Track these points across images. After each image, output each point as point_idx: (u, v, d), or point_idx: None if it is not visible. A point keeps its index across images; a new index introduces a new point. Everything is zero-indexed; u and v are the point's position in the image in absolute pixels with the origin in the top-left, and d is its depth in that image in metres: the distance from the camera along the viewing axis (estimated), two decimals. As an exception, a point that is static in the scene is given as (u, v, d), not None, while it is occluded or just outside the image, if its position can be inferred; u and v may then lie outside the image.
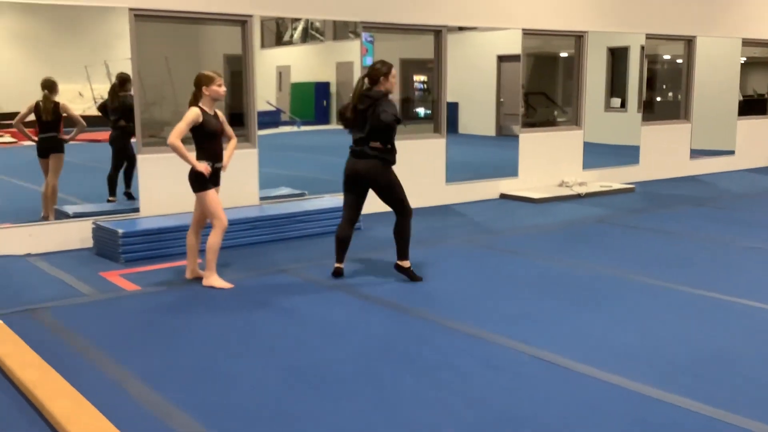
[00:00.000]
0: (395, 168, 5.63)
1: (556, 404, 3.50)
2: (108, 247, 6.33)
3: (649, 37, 11.00)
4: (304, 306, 5.09)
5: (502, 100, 15.98)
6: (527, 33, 9.63)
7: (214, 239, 5.43)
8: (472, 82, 16.69)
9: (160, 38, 7.62)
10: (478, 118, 16.83)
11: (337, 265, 5.74)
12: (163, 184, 6.99)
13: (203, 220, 5.63)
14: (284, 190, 8.21)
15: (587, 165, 10.44)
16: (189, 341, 4.42)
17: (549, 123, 11.51)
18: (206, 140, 5.34)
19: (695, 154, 11.81)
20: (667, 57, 12.73)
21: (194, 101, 5.34)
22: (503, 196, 9.52)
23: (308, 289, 5.51)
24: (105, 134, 7.51)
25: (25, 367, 3.82)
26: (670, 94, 12.75)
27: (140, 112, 6.95)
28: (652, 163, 11.25)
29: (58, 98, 6.87)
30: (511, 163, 9.80)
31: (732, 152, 12.40)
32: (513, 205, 9.03)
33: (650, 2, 10.80)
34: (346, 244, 5.74)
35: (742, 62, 12.54)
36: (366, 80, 5.58)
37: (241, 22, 7.45)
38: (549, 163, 10.04)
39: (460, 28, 11.27)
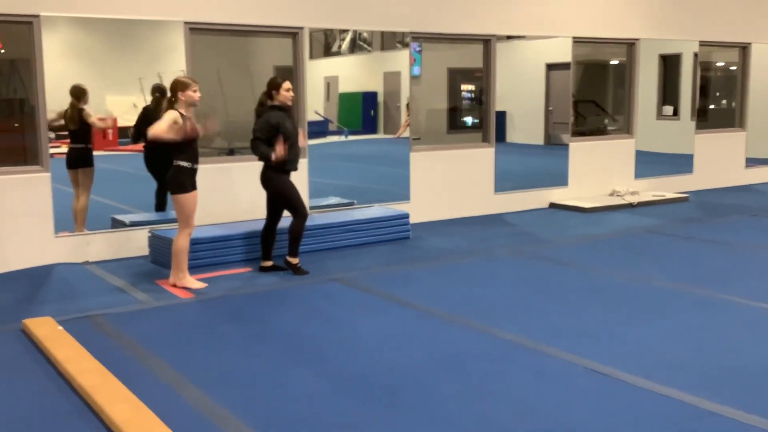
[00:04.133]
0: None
1: (607, 416, 3.46)
2: (164, 255, 6.45)
3: (702, 44, 10.80)
4: (356, 315, 5.12)
5: (550, 108, 15.88)
6: (577, 41, 9.55)
7: (183, 242, 5.66)
8: (521, 91, 16.58)
9: (212, 50, 7.77)
10: (527, 126, 16.71)
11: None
12: (217, 194, 7.11)
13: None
14: (333, 200, 8.28)
15: (639, 174, 10.28)
16: (242, 348, 4.48)
17: (599, 131, 11.37)
18: (185, 142, 5.53)
19: (751, 162, 11.54)
20: (720, 64, 12.47)
21: (169, 106, 5.54)
22: (552, 206, 9.44)
23: (359, 297, 5.55)
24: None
25: (85, 372, 3.92)
26: (724, 101, 12.49)
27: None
28: (707, 172, 11.03)
29: (87, 107, 6.73)
30: (560, 172, 9.71)
31: (789, 161, 12.08)
32: (563, 215, 8.95)
33: (704, 9, 10.62)
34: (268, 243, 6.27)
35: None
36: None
37: (292, 34, 7.56)
38: (599, 172, 9.92)
39: (509, 37, 11.24)
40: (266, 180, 6.09)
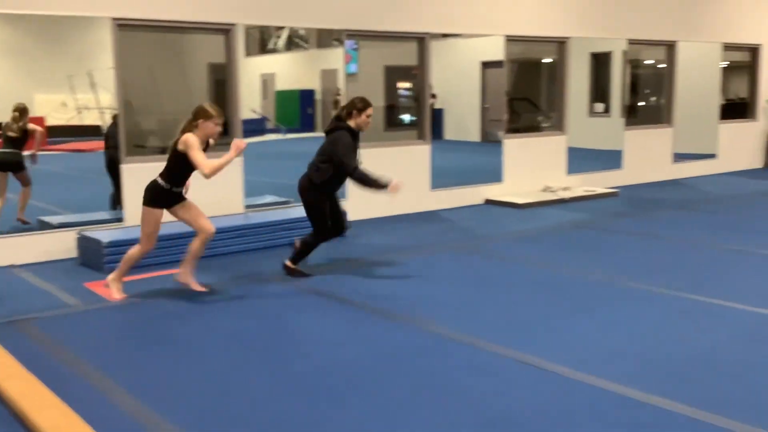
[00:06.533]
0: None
1: (545, 408, 3.52)
2: (92, 257, 6.30)
3: (630, 42, 11.09)
4: (293, 314, 5.09)
5: (486, 106, 16.09)
6: (510, 39, 9.69)
7: (132, 251, 5.40)
8: (457, 89, 16.80)
9: (143, 47, 7.61)
10: (464, 124, 16.93)
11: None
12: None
13: (199, 227, 5.48)
14: (269, 198, 8.21)
15: (571, 170, 10.50)
16: (176, 351, 4.41)
17: (533, 128, 11.58)
18: (181, 168, 5.27)
19: (678, 157, 11.91)
20: (649, 62, 12.84)
21: (188, 129, 5.23)
22: (488, 202, 9.56)
23: (297, 296, 5.52)
24: (87, 144, 7.49)
25: (10, 377, 3.80)
26: (653, 98, 12.86)
27: (124, 122, 6.93)
28: (636, 168, 11.33)
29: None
30: (495, 168, 9.85)
31: (714, 156, 12.52)
32: (498, 211, 9.07)
33: (631, 8, 10.90)
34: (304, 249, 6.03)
35: (725, 66, 12.68)
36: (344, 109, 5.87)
37: (224, 31, 7.47)
38: (533, 169, 10.09)
39: (445, 35, 11.35)
40: (306, 190, 5.89)
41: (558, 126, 10.52)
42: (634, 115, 12.09)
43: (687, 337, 4.51)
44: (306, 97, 20.76)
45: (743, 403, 3.54)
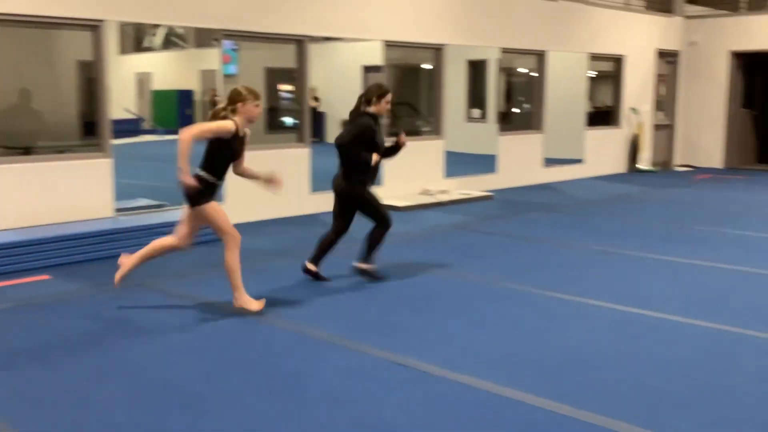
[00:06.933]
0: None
1: (416, 408, 3.58)
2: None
3: (503, 51, 11.48)
4: (162, 321, 4.93)
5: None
6: (389, 45, 9.81)
7: (232, 258, 5.04)
8: (339, 92, 16.82)
9: (8, 43, 7.21)
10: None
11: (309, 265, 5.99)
12: (12, 197, 6.59)
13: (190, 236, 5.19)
14: (142, 201, 7.94)
15: (449, 173, 10.75)
16: (34, 361, 4.18)
17: (413, 132, 11.77)
18: (221, 156, 4.97)
19: (549, 162, 12.43)
20: (523, 70, 13.34)
21: (219, 116, 4.94)
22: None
23: (166, 303, 5.35)
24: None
25: None
26: (527, 105, 13.37)
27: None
28: (509, 172, 11.74)
29: None
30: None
31: (581, 160, 13.15)
32: (377, 214, 9.14)
33: (504, 18, 11.30)
34: (323, 249, 5.97)
35: (593, 76, 13.35)
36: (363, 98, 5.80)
37: (92, 27, 7.15)
38: (412, 172, 10.26)
39: (327, 38, 11.34)
40: (348, 189, 5.80)
41: (436, 130, 10.74)
42: (508, 121, 12.53)
43: (553, 334, 4.70)
44: (184, 97, 20.22)
45: (604, 397, 3.72)
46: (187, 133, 4.72)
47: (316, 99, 15.74)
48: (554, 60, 12.24)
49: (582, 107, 13.13)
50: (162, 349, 4.39)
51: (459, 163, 11.14)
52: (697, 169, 14.62)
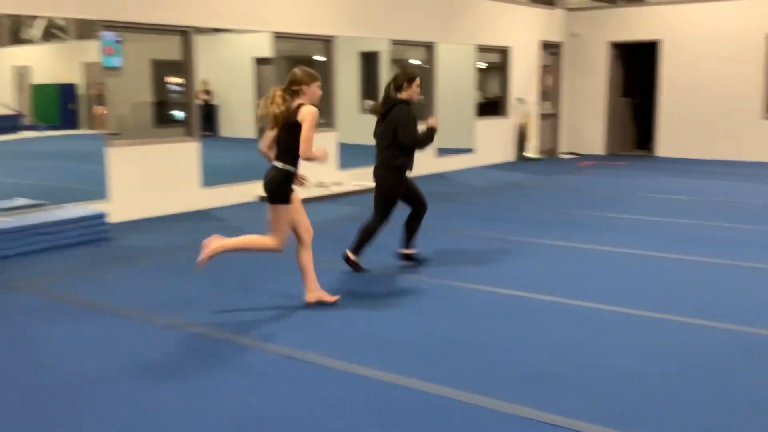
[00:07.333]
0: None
1: (303, 400, 3.57)
2: None
3: (394, 42, 11.58)
4: (43, 324, 4.72)
5: (259, 102, 16.00)
6: (279, 36, 9.72)
7: (302, 257, 5.07)
8: (231, 85, 16.52)
9: None
10: (239, 120, 16.69)
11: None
12: None
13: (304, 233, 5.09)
14: (20, 201, 7.56)
15: (343, 165, 10.76)
16: None
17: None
18: (297, 145, 4.79)
19: (441, 152, 12.64)
20: (415, 62, 13.49)
21: (281, 99, 4.76)
22: (262, 199, 9.50)
23: (48, 306, 5.13)
24: None
25: None
26: (422, 96, 13.53)
27: None
28: (403, 162, 11.84)
29: None
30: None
31: (472, 150, 13.45)
32: (271, 207, 9.05)
33: (394, 10, 11.40)
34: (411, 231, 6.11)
35: (483, 68, 13.65)
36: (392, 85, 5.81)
37: (-41, 18, 6.74)
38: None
39: (216, 30, 11.10)
40: (385, 179, 5.92)
41: (328, 122, 10.72)
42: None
43: (445, 321, 4.80)
44: (66, 91, 19.36)
45: (492, 381, 3.83)
46: (308, 150, 4.76)
47: (207, 92, 15.40)
48: (444, 52, 12.44)
49: (472, 98, 13.41)
50: (42, 353, 4.21)
51: (353, 155, 11.16)
52: (582, 156, 15.22)
